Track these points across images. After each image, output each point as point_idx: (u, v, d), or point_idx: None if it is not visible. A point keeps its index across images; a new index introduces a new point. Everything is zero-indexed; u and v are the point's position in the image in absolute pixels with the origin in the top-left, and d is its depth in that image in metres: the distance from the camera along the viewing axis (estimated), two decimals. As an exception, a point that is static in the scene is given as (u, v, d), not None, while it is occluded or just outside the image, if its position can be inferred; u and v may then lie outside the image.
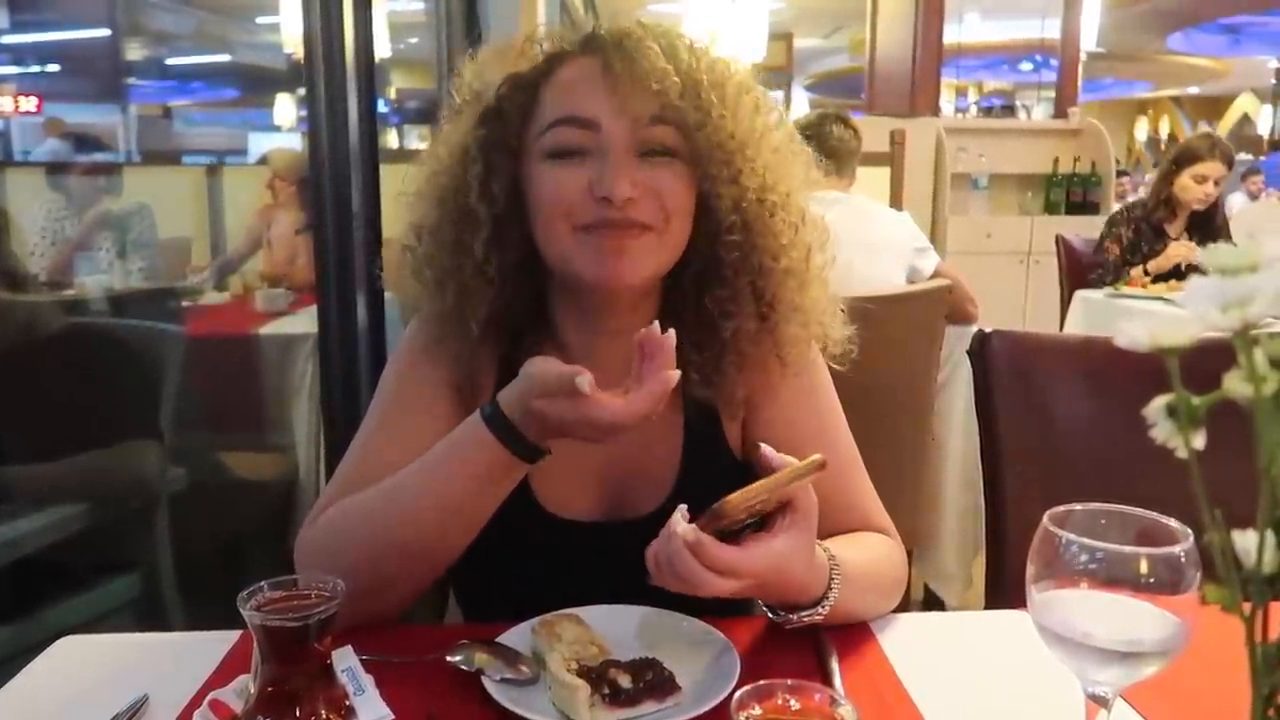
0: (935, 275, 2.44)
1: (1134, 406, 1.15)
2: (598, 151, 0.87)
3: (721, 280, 0.92)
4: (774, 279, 0.92)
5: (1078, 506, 0.61)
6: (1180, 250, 3.55)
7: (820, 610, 0.82)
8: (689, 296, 0.94)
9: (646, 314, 0.92)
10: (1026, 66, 11.96)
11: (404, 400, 0.97)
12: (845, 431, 1.02)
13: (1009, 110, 10.15)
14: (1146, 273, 3.57)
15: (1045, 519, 0.59)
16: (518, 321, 0.96)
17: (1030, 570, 0.60)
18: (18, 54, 5.20)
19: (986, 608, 1.25)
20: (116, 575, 1.89)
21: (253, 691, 0.65)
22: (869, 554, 0.91)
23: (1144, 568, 0.55)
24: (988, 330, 1.29)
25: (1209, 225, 3.69)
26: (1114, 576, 0.57)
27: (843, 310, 1.01)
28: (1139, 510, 0.60)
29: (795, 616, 0.82)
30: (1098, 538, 0.57)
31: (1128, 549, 0.56)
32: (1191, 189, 3.60)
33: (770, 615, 0.85)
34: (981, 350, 1.28)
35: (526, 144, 0.91)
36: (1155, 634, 0.56)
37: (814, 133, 2.58)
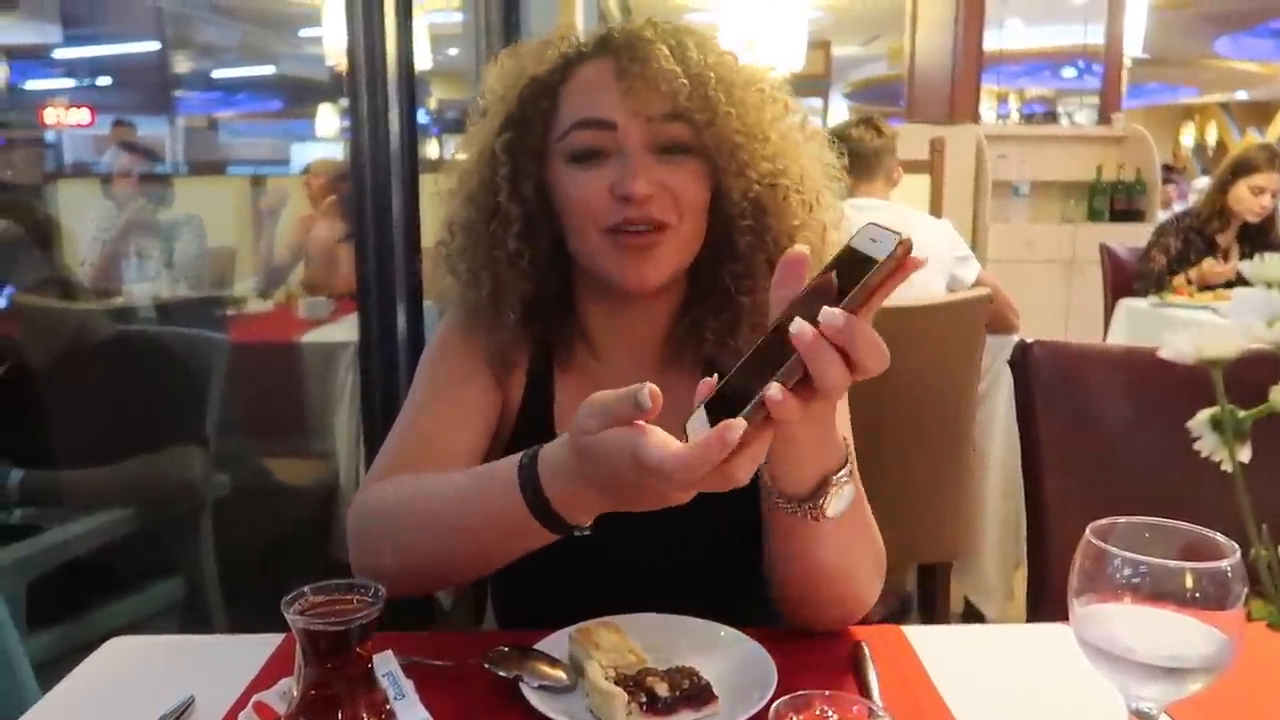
0: (976, 284, 2.42)
1: (1178, 418, 1.14)
2: (616, 152, 0.92)
3: (736, 257, 0.96)
4: None
5: (1121, 520, 0.60)
6: (1220, 270, 3.49)
7: (845, 476, 0.77)
8: (708, 274, 0.98)
9: (670, 299, 0.99)
10: (1069, 72, 11.80)
11: (443, 381, 1.01)
12: (847, 419, 1.01)
13: (1051, 117, 10.03)
14: (1189, 281, 3.51)
15: (1088, 532, 0.59)
16: (547, 306, 1.00)
17: (1072, 584, 0.60)
18: (70, 68, 5.34)
19: (1028, 621, 1.24)
20: (162, 578, 1.93)
21: (295, 694, 0.66)
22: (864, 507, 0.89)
23: (1189, 582, 0.55)
24: (1029, 340, 1.28)
25: (1262, 237, 3.62)
26: (1158, 591, 0.56)
27: None
28: (1184, 524, 0.59)
29: (831, 487, 0.76)
30: (1142, 551, 0.56)
31: (1173, 563, 0.55)
32: (1247, 200, 3.53)
33: (784, 505, 0.78)
34: (1023, 360, 1.27)
35: (549, 146, 0.96)
36: (1200, 650, 0.56)
37: (839, 138, 2.58)
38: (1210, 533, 0.58)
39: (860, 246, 0.63)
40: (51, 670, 0.94)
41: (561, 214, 0.96)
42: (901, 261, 0.60)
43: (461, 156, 1.03)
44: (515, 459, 0.76)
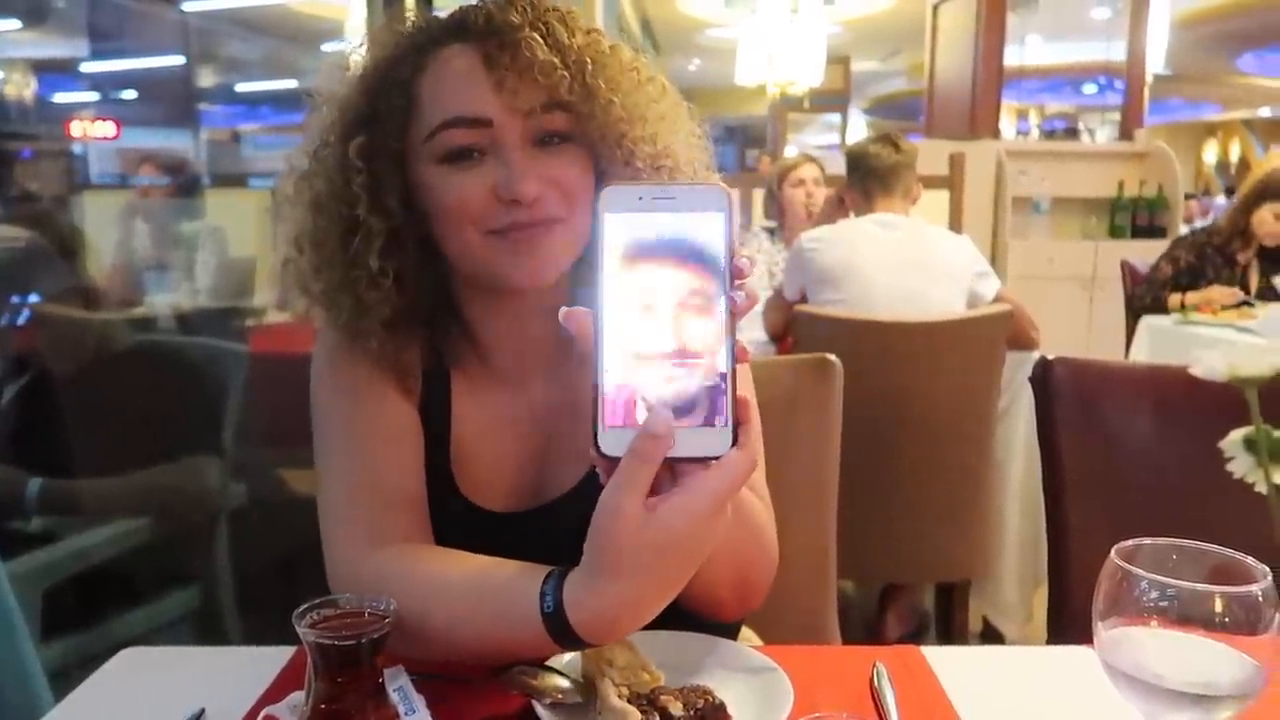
0: (996, 300, 2.40)
1: (1204, 437, 1.12)
2: (493, 149, 0.84)
3: None
4: None
5: (1147, 541, 0.59)
6: (1220, 294, 3.45)
7: None
8: None
9: (558, 292, 0.89)
10: (1090, 89, 11.76)
11: (355, 416, 0.93)
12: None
13: (1071, 133, 9.99)
14: (1183, 306, 3.48)
15: (1113, 554, 0.57)
16: (421, 317, 0.92)
17: (1097, 607, 0.58)
18: (97, 81, 5.40)
19: (1048, 643, 1.22)
20: (177, 588, 1.93)
21: (306, 708, 0.65)
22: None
23: (1219, 607, 0.53)
24: (1050, 357, 1.26)
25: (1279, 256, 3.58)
26: (1187, 615, 0.55)
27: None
28: (1212, 546, 0.58)
29: None
30: (1169, 574, 0.55)
31: (1202, 587, 0.54)
32: (1269, 224, 3.49)
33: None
34: (1044, 378, 1.25)
35: (412, 146, 0.87)
36: (1230, 676, 0.54)
37: (858, 156, 2.58)
38: (1240, 555, 0.56)
39: None
40: (65, 679, 0.93)
41: (433, 219, 0.87)
42: None
43: (298, 160, 0.91)
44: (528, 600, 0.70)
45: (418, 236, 0.89)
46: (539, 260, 0.85)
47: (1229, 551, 0.57)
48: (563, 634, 0.68)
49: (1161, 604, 0.55)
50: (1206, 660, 0.54)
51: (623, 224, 0.63)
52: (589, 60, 0.86)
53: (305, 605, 0.66)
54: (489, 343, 0.94)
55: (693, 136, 0.93)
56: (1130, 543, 0.58)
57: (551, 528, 0.79)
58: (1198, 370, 0.38)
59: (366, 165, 0.86)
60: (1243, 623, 0.53)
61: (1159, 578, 0.55)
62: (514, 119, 0.84)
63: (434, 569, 0.82)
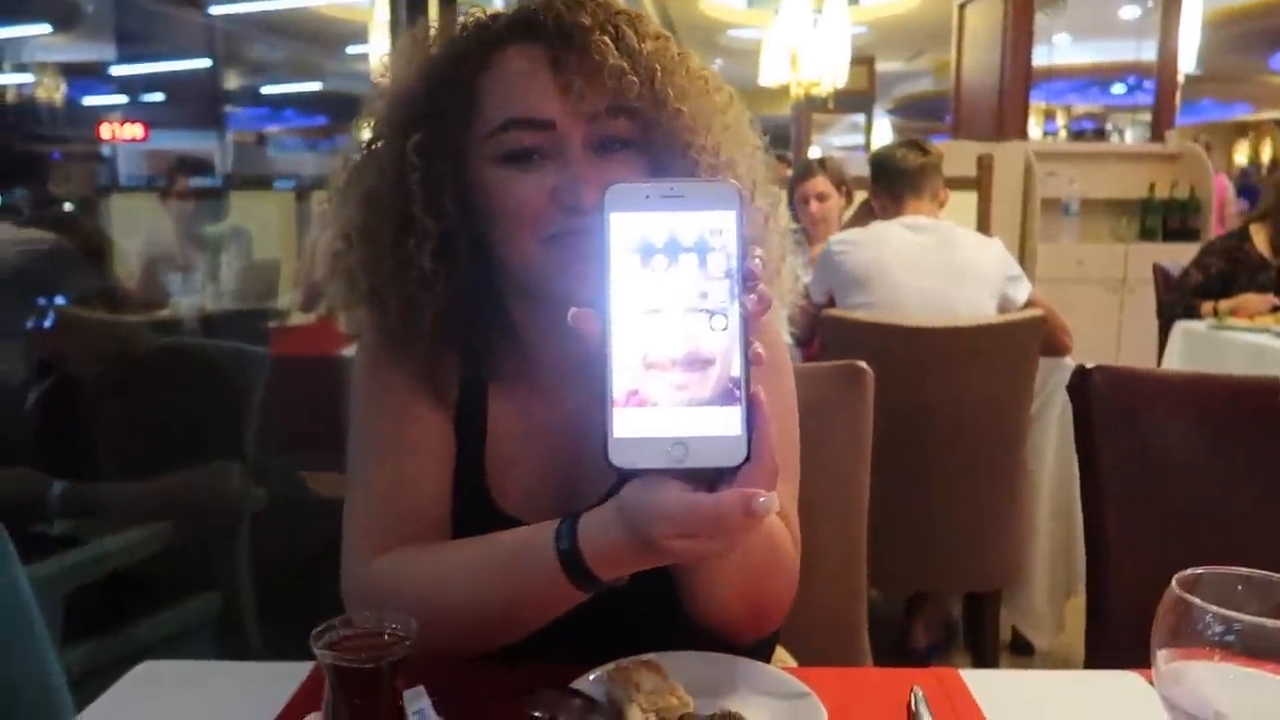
0: (1028, 304, 2.36)
1: (1246, 447, 1.07)
2: (554, 152, 0.82)
3: None
4: None
5: (1208, 570, 0.56)
6: (1255, 301, 3.37)
7: None
8: None
9: None
10: (1118, 89, 11.63)
11: (386, 425, 0.91)
12: (794, 428, 0.93)
13: (1100, 134, 9.88)
14: (1216, 312, 3.40)
15: (1174, 583, 0.54)
16: (470, 319, 0.90)
17: (1155, 637, 0.55)
18: (125, 84, 5.45)
19: (1087, 663, 1.18)
20: (199, 593, 1.93)
21: (323, 732, 0.63)
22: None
23: (1290, 643, 0.50)
24: (1089, 365, 1.23)
25: None
26: (1252, 649, 0.51)
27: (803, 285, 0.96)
28: (1279, 576, 0.55)
29: None
30: (1234, 606, 0.52)
31: (1271, 623, 0.50)
32: None
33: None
34: (1082, 386, 1.21)
35: (471, 144, 0.85)
36: (1301, 716, 0.51)
37: (884, 160, 2.56)
38: (1311, 587, 0.53)
39: None
40: (87, 685, 0.92)
41: (489, 220, 0.85)
42: None
43: (354, 151, 0.90)
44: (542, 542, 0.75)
45: (470, 237, 0.87)
46: (592, 268, 0.83)
47: (1299, 582, 0.54)
48: (577, 568, 0.71)
49: (1227, 638, 0.51)
50: (1274, 698, 0.51)
51: (630, 224, 0.61)
52: (658, 66, 0.84)
53: (322, 625, 0.63)
54: (532, 350, 0.92)
55: (755, 149, 0.91)
56: (1190, 572, 0.55)
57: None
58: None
59: (424, 163, 0.85)
60: (1315, 660, 0.50)
61: (1224, 611, 0.51)
62: (578, 122, 0.82)
63: (445, 550, 0.84)
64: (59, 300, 2.08)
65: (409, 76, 0.88)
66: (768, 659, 0.92)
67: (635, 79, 0.82)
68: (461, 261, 0.86)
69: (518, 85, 0.83)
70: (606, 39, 0.82)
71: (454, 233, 0.86)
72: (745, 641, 0.86)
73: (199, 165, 4.42)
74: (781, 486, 0.84)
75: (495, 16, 0.88)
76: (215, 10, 5.61)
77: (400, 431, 0.91)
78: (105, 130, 5.25)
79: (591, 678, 0.77)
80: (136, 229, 3.43)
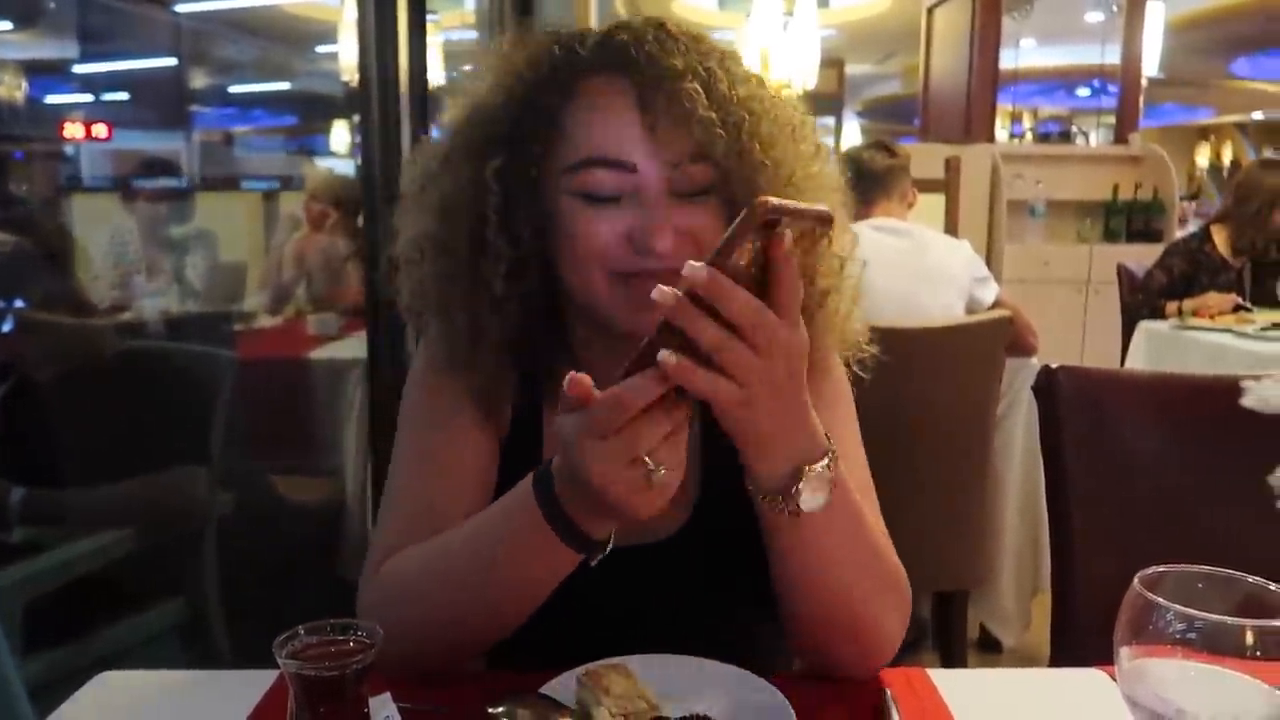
0: (995, 305, 2.38)
1: (1215, 450, 1.08)
2: (633, 194, 0.82)
3: None
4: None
5: (1169, 569, 0.56)
6: (1217, 300, 3.43)
7: (821, 470, 0.71)
8: None
9: None
10: (1084, 92, 11.77)
11: (432, 439, 0.92)
12: (861, 454, 0.94)
13: (1065, 137, 9.99)
14: (1180, 312, 3.46)
15: (1136, 582, 0.55)
16: (534, 342, 0.91)
17: (1118, 635, 0.56)
18: (88, 83, 5.37)
19: (1052, 660, 1.19)
20: (164, 600, 1.89)
21: (287, 741, 0.62)
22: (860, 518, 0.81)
23: (1250, 640, 0.51)
24: (1054, 366, 1.24)
25: (1271, 262, 3.57)
26: (1214, 647, 0.52)
27: (869, 329, 0.96)
28: (1239, 574, 0.55)
29: (804, 478, 0.71)
30: (1196, 604, 0.52)
31: (1232, 620, 0.51)
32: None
33: (761, 496, 0.73)
34: (1048, 386, 1.22)
35: (550, 172, 0.85)
36: (1260, 711, 0.51)
37: (852, 161, 2.58)
38: (1271, 585, 0.54)
39: None
40: (48, 695, 0.90)
41: (560, 249, 0.85)
42: (762, 218, 0.61)
43: (428, 160, 0.90)
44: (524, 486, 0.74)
45: (541, 264, 0.86)
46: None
47: (1259, 581, 0.54)
48: (552, 507, 0.71)
49: (1189, 636, 0.52)
50: (1235, 694, 0.52)
51: None
52: (746, 115, 0.82)
53: (286, 633, 0.62)
54: (598, 373, 0.92)
55: (837, 198, 0.90)
56: (1153, 570, 0.56)
57: (646, 572, 0.79)
58: (1250, 401, 0.36)
59: (501, 188, 0.84)
60: (1275, 655, 0.51)
61: (1186, 609, 0.52)
62: (660, 167, 0.81)
63: (438, 538, 0.83)
64: (19, 303, 2.04)
65: (491, 91, 0.87)
66: (789, 664, 0.93)
67: (722, 132, 0.80)
68: (532, 284, 0.87)
69: (602, 122, 0.82)
70: (698, 85, 0.81)
71: (527, 258, 0.86)
72: (854, 673, 0.84)
73: (165, 166, 4.35)
74: (867, 506, 0.86)
75: (583, 38, 0.86)
76: (181, 8, 5.53)
77: (441, 449, 0.91)
78: (68, 129, 5.17)
79: (560, 681, 0.77)
80: (100, 230, 3.37)
